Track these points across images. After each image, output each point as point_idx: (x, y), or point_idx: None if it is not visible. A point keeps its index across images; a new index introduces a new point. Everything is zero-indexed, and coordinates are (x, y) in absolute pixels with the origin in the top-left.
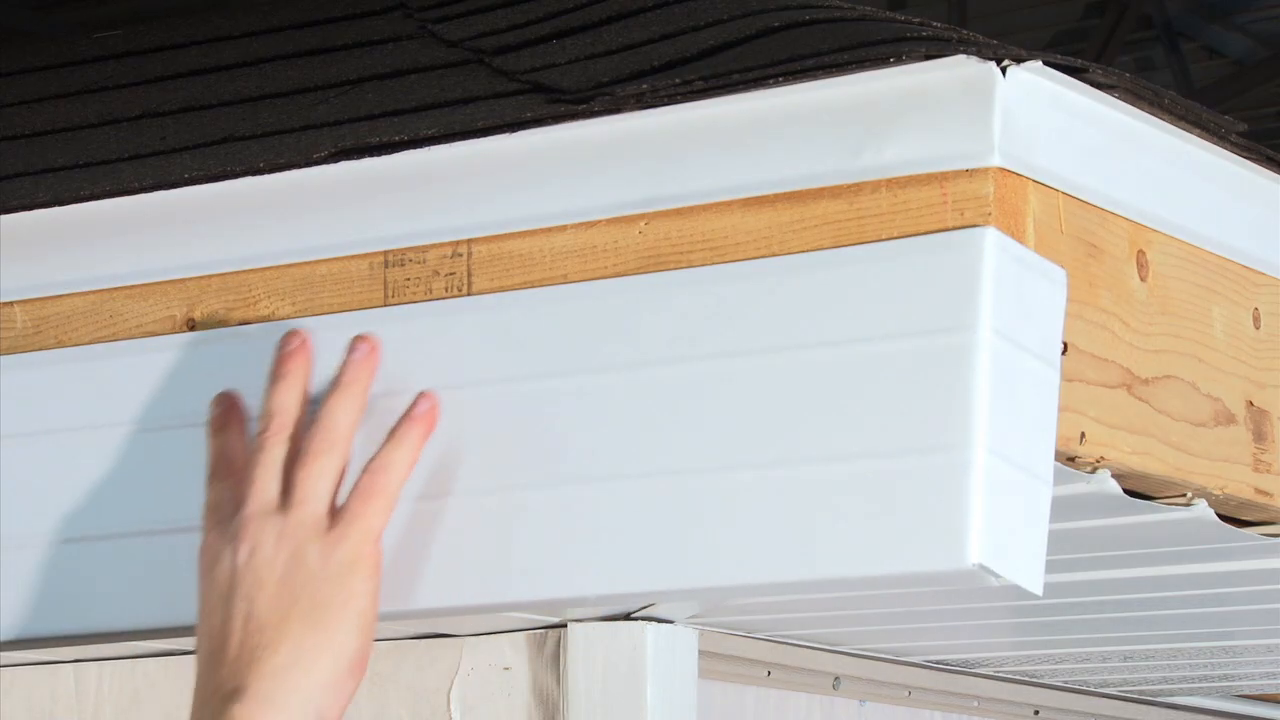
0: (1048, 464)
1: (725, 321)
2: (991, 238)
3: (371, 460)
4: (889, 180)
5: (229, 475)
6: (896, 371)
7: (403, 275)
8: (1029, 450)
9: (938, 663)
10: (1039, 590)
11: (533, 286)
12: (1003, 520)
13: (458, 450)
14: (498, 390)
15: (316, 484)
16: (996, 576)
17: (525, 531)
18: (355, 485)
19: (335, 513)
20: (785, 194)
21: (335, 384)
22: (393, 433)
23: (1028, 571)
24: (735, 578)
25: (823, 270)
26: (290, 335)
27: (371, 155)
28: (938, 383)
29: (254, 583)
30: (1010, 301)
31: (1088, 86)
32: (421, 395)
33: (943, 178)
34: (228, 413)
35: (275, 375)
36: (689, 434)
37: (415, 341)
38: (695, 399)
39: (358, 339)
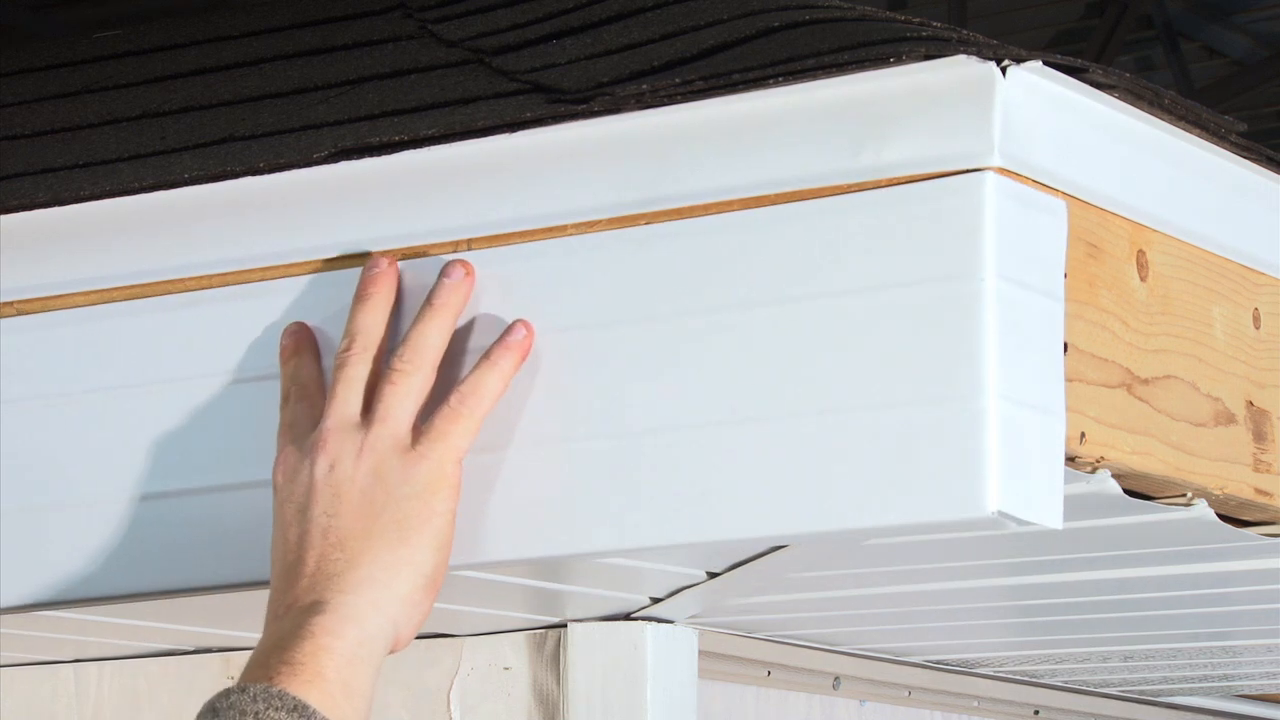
0: (1058, 395)
1: (730, 271)
2: (991, 181)
3: (461, 383)
4: (889, 180)
5: (304, 398)
6: (905, 321)
7: None
8: (1039, 387)
9: (938, 663)
10: (1059, 524)
11: None
12: (1019, 464)
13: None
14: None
15: (402, 402)
16: (1017, 521)
17: (517, 489)
18: (442, 405)
19: (418, 432)
20: (785, 194)
21: (426, 305)
22: (485, 356)
23: (1046, 509)
24: (756, 530)
25: (826, 217)
26: (377, 258)
27: (372, 155)
28: (946, 333)
29: (333, 497)
30: (1013, 243)
31: (1088, 86)
32: (518, 322)
33: (942, 178)
34: (299, 340)
35: (359, 296)
36: (699, 387)
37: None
38: (704, 351)
39: (453, 263)
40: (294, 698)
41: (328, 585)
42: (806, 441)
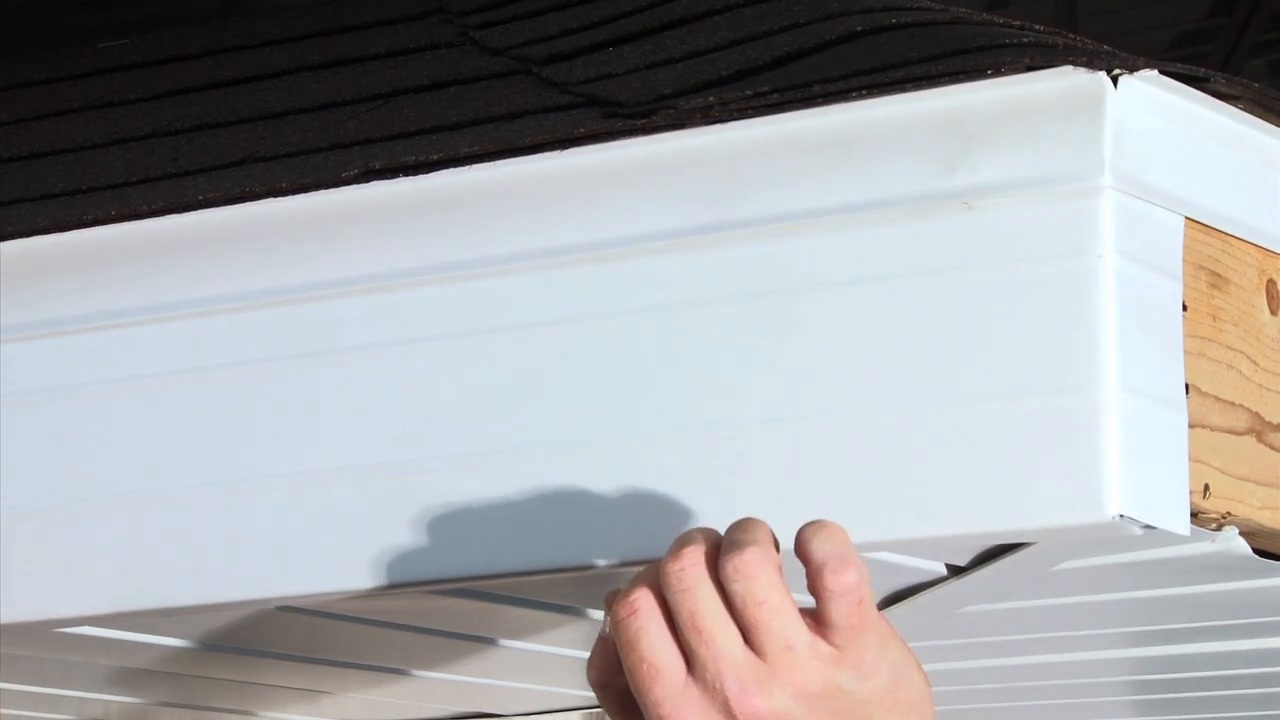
0: (1179, 388)
1: (811, 293)
2: (1104, 203)
3: None
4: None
5: None
6: (1013, 303)
7: None
8: (1160, 377)
9: None
10: (1186, 530)
11: None
12: (1140, 462)
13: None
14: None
15: None
16: (1140, 525)
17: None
18: None
19: None
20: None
21: None
22: None
23: (1172, 513)
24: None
25: (914, 243)
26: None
27: (406, 175)
28: (1060, 313)
29: None
30: (1130, 222)
31: (1210, 97)
32: None
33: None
34: None
35: None
36: (782, 378)
37: None
38: (792, 339)
39: None
40: None
41: None
42: (896, 439)
